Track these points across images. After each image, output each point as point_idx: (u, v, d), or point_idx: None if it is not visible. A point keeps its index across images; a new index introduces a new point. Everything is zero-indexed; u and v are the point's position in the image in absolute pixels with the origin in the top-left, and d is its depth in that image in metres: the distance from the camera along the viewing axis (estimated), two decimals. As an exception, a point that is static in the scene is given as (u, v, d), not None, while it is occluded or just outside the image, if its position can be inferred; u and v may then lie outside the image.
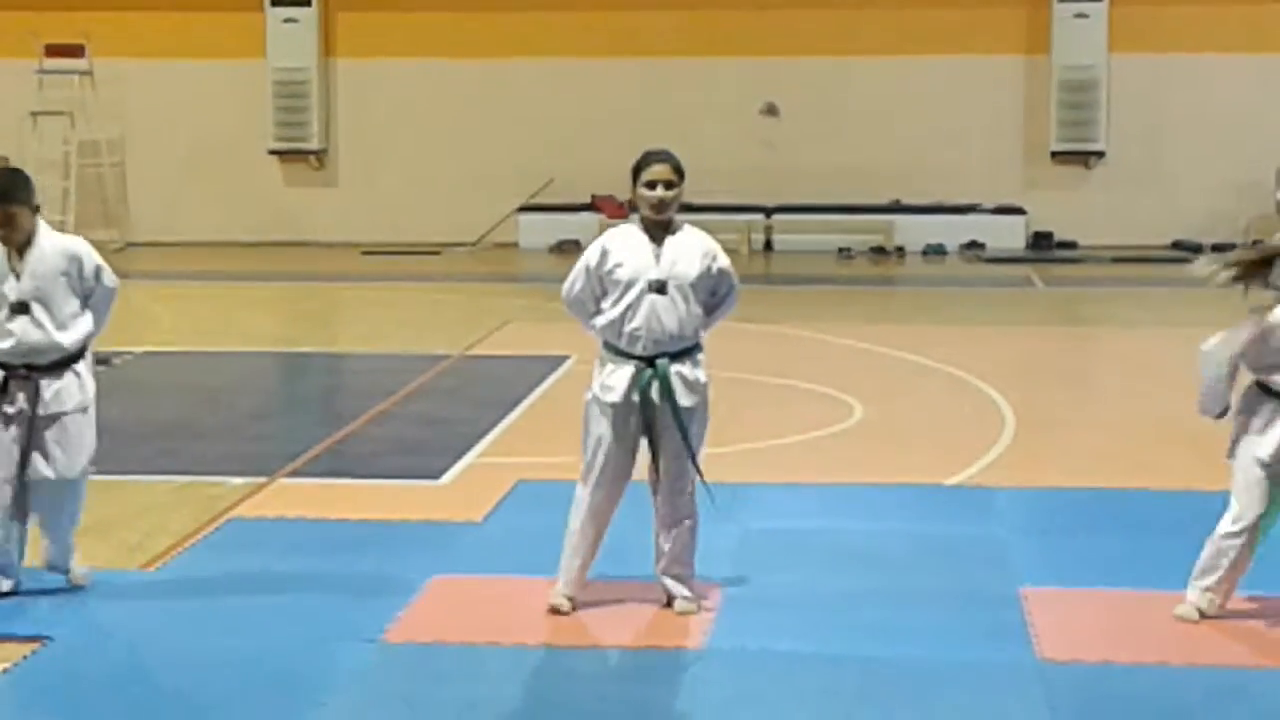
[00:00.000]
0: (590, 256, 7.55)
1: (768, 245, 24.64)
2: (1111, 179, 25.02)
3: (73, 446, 7.66)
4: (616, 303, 7.44)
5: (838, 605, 7.69)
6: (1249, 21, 24.56)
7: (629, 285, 7.42)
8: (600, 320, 7.52)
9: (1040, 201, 24.95)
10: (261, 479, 10.22)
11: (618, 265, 7.44)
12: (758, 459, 10.95)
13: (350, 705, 6.55)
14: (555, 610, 7.52)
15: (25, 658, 6.98)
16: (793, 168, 24.92)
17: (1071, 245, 24.59)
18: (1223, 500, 9.40)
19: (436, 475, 10.46)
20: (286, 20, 25.88)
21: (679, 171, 7.47)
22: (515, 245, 25.09)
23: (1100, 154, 24.98)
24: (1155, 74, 24.69)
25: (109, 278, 7.80)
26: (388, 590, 7.85)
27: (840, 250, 24.16)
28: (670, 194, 7.44)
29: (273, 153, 26.18)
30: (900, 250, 24.31)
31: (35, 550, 7.86)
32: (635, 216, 7.63)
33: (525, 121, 25.31)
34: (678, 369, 7.45)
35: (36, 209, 7.63)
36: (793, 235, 24.55)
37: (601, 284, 7.50)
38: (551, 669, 6.97)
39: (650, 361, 7.42)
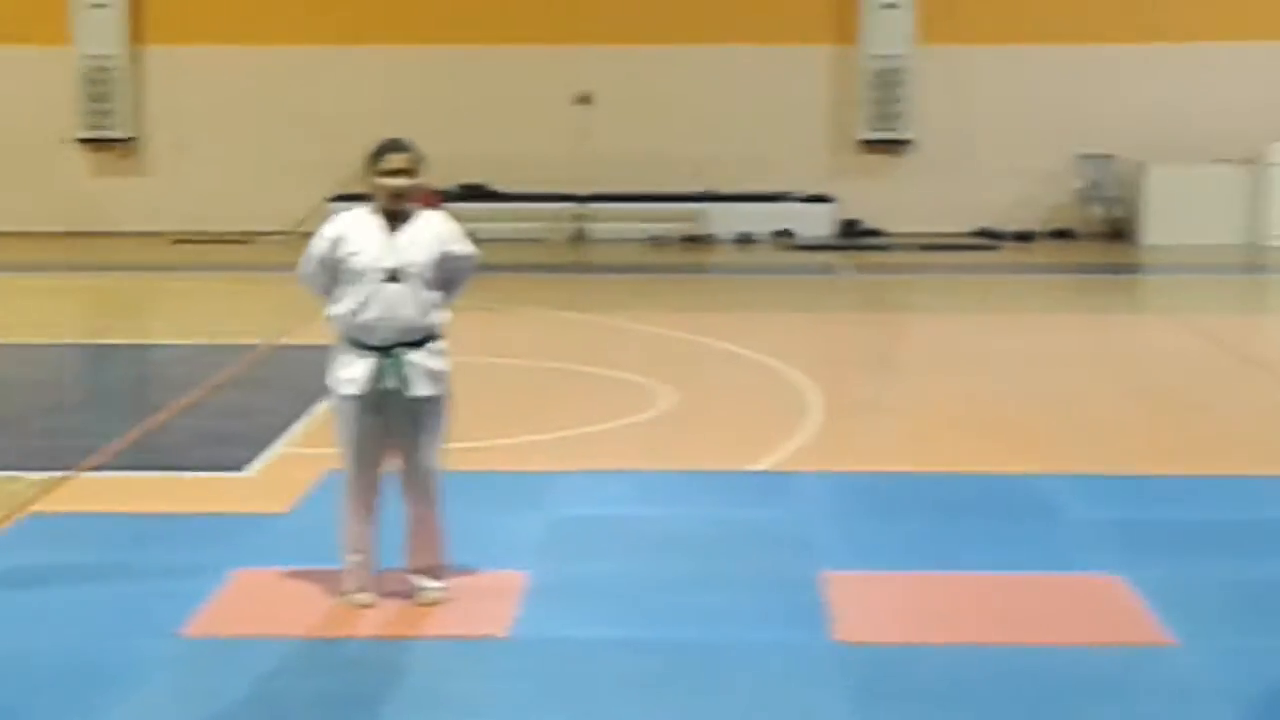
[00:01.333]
0: (320, 246, 7.46)
1: (580, 234, 24.71)
2: (919, 168, 25.38)
3: None
4: (351, 293, 7.38)
5: (643, 591, 7.77)
6: (1054, 12, 25.03)
7: (363, 275, 7.34)
8: (335, 310, 7.44)
9: (849, 190, 25.25)
10: (63, 473, 10.06)
11: (351, 254, 7.36)
12: (565, 447, 10.98)
13: (149, 700, 6.48)
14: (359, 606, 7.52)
15: None
16: (605, 156, 24.99)
17: (878, 233, 24.93)
18: (1020, 483, 9.59)
19: (244, 466, 10.38)
20: (95, 5, 25.44)
21: (418, 161, 7.45)
22: (327, 234, 24.86)
23: (908, 143, 25.34)
24: (962, 64, 25.09)
25: None
26: (189, 583, 7.77)
27: (652, 238, 24.29)
28: (409, 183, 7.41)
29: (80, 141, 25.76)
30: (711, 238, 24.50)
31: None
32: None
33: (337, 109, 25.10)
34: (416, 358, 7.41)
35: None
36: (605, 224, 24.64)
37: (333, 273, 7.42)
38: (355, 661, 6.95)
39: (387, 351, 7.40)
